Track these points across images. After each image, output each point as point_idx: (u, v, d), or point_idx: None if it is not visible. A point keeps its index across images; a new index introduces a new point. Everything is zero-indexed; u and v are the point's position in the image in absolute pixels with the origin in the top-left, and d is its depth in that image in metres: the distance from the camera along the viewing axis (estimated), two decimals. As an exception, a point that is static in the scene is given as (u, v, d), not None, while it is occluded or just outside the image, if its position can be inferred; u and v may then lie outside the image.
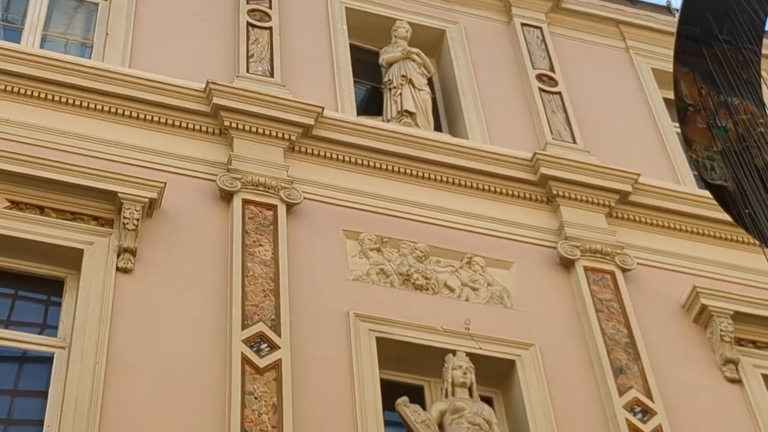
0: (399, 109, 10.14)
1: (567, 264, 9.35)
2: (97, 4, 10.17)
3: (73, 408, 7.17)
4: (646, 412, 8.44)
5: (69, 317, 7.84)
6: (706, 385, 8.94)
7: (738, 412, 8.84)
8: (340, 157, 9.40)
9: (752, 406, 8.86)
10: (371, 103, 10.58)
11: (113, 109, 8.98)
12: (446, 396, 8.21)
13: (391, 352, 8.35)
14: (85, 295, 7.80)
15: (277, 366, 7.77)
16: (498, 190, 9.70)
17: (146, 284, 8.06)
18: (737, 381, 9.01)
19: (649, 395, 8.54)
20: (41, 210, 8.21)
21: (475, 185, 9.63)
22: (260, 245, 8.44)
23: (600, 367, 8.66)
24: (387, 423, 7.97)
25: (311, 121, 9.33)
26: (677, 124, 8.87)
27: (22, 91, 8.79)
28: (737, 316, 9.21)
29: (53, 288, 8.15)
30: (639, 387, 8.57)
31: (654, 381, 8.65)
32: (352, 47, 10.58)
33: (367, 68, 10.68)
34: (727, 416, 8.78)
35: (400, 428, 8.16)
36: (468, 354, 8.37)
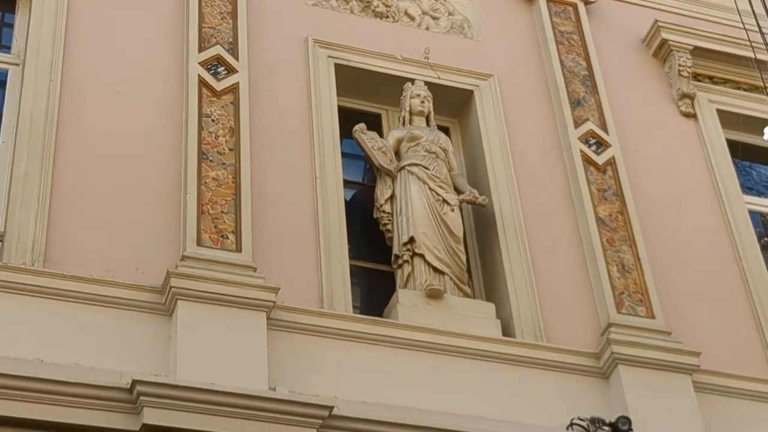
0: None
1: (530, -6, 9.26)
2: None
3: (29, 125, 7.13)
4: (601, 144, 8.52)
5: (22, 35, 7.70)
6: (662, 119, 9.01)
7: (691, 146, 8.95)
8: None
9: (705, 140, 8.97)
10: None
11: None
12: (403, 124, 8.24)
13: (349, 79, 8.32)
14: (38, 12, 7.62)
15: (234, 90, 7.72)
16: None
17: (100, 1, 7.89)
18: (692, 116, 9.09)
19: (604, 128, 8.60)
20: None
21: None
22: (217, -35, 8.25)
23: (557, 99, 8.68)
24: (344, 155, 8.01)
25: None
26: None
27: None
28: (696, 51, 9.20)
29: (6, 5, 7.97)
30: (595, 119, 8.63)
31: (610, 114, 8.70)
32: None
33: None
34: (680, 150, 8.89)
35: (357, 160, 8.23)
36: (426, 83, 8.36)
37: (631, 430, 7.09)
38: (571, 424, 7.11)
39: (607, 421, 7.16)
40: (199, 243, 7.01)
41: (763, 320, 8.21)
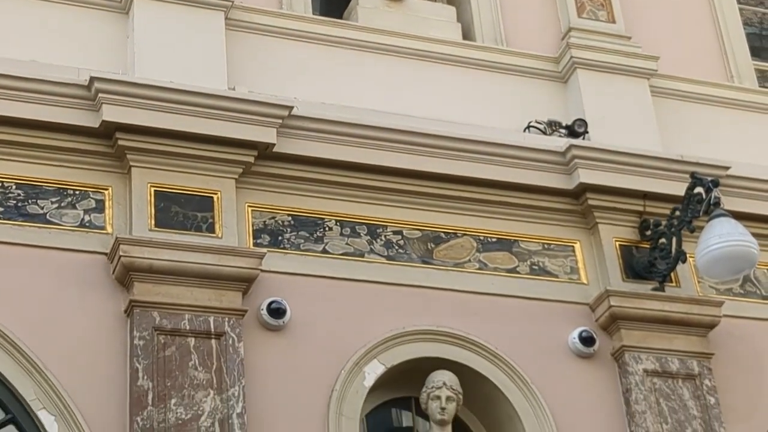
0: None
1: None
2: None
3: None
4: None
5: None
6: None
7: None
8: None
9: None
10: None
11: None
12: None
13: None
14: None
15: None
16: None
17: None
18: None
19: None
20: None
21: None
22: None
23: None
24: None
25: None
26: None
27: None
28: None
29: None
30: None
31: None
32: None
33: None
34: None
35: None
36: None
37: (587, 132, 7.19)
38: (528, 127, 7.20)
39: (564, 124, 7.25)
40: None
41: (722, 27, 8.23)
